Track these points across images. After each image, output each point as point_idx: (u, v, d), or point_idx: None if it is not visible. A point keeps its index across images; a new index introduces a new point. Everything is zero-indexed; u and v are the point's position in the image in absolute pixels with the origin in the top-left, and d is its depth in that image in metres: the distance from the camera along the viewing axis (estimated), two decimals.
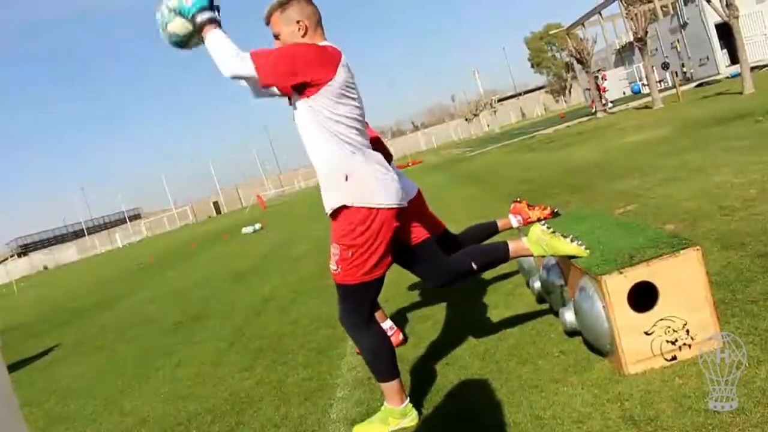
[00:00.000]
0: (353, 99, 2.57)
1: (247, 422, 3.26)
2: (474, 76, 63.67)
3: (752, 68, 18.54)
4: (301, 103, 2.53)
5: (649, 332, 2.46)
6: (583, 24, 39.67)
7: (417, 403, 2.85)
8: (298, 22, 2.59)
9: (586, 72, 26.89)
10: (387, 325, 3.86)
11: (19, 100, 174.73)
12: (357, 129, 2.59)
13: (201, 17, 2.42)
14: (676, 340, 2.46)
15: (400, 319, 4.41)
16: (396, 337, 3.84)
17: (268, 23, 2.66)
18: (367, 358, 2.73)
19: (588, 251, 2.75)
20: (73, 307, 12.60)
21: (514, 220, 4.08)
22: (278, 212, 30.73)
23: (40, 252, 74.51)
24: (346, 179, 2.51)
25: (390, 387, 2.69)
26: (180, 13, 2.45)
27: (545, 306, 3.55)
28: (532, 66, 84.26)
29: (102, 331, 8.06)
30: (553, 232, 2.78)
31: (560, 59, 79.25)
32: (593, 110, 27.19)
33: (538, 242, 2.79)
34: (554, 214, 4.02)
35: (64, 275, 33.87)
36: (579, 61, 26.87)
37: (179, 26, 2.49)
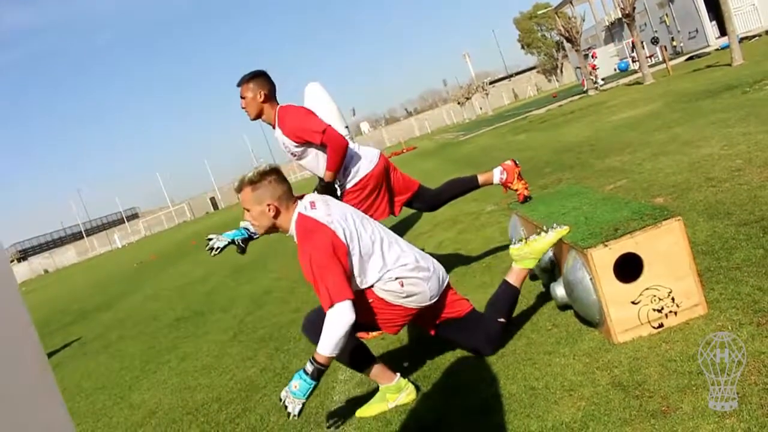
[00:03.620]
0: (359, 222, 2.73)
1: (252, 408, 3.36)
2: (465, 60, 63.50)
3: (742, 39, 18.56)
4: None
5: (636, 302, 2.55)
6: (571, 2, 39.55)
7: (415, 380, 2.95)
8: (268, 204, 2.67)
9: (576, 51, 26.86)
10: None
11: (9, 103, 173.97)
12: (384, 241, 2.75)
13: (312, 384, 2.51)
14: (662, 308, 2.55)
15: None
16: None
17: (239, 191, 2.73)
18: (340, 360, 2.78)
19: (567, 227, 2.83)
20: (76, 309, 12.70)
21: (498, 176, 4.08)
22: None
23: (40, 256, 74.50)
24: (402, 285, 2.74)
25: (375, 372, 2.82)
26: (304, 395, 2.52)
27: (538, 282, 3.64)
28: (523, 47, 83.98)
29: (107, 330, 8.16)
30: (525, 239, 2.92)
31: (550, 39, 79.01)
32: (584, 88, 27.21)
33: (524, 258, 2.92)
34: (526, 198, 4.02)
35: (65, 278, 33.94)
36: (568, 40, 26.83)
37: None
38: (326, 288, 2.49)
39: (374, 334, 3.82)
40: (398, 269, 2.70)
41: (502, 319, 2.92)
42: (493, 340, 2.92)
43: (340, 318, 2.45)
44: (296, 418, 2.51)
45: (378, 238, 2.72)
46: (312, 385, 2.50)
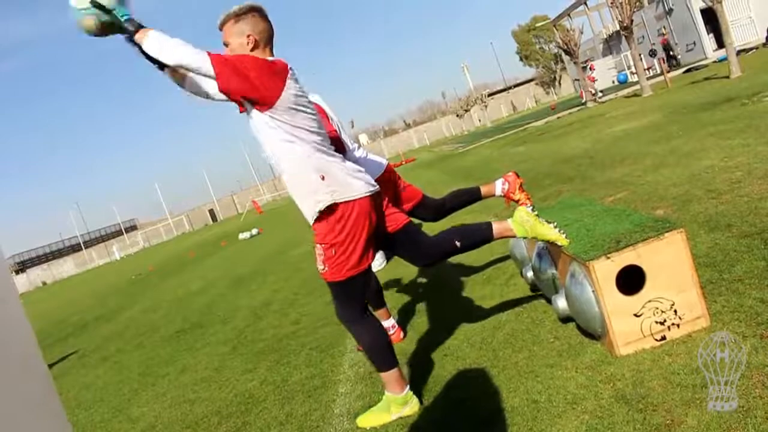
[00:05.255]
0: (307, 108, 2.65)
1: (252, 422, 3.34)
2: (463, 72, 63.70)
3: (739, 51, 18.64)
4: (260, 119, 2.61)
5: (639, 314, 2.54)
6: (569, 15, 39.79)
7: (417, 393, 2.93)
8: (248, 36, 2.66)
9: (575, 63, 26.97)
10: (390, 323, 3.93)
11: (7, 114, 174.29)
12: (319, 135, 2.67)
13: (134, 24, 2.52)
14: (665, 321, 2.54)
15: (397, 314, 4.49)
16: (397, 334, 3.91)
17: (221, 29, 2.73)
18: (365, 350, 2.85)
19: (568, 240, 2.83)
20: (74, 321, 12.64)
21: (500, 187, 4.11)
22: (274, 216, 30.78)
23: (38, 268, 74.31)
24: (323, 179, 2.61)
25: (390, 376, 2.80)
26: (110, 11, 2.50)
27: (539, 294, 3.63)
28: (521, 59, 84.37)
29: (106, 342, 8.13)
30: (537, 215, 2.87)
31: (548, 51, 79.38)
32: (583, 100, 27.29)
33: (522, 223, 2.87)
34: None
35: (64, 290, 33.85)
36: (567, 52, 26.95)
37: (91, 23, 2.55)
38: (225, 56, 2.49)
39: (394, 338, 3.80)
40: (317, 158, 2.63)
41: (458, 244, 2.88)
42: (435, 256, 2.91)
43: (193, 54, 2.43)
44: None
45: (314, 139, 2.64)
46: (118, 22, 2.50)
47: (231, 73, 2.47)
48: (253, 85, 2.49)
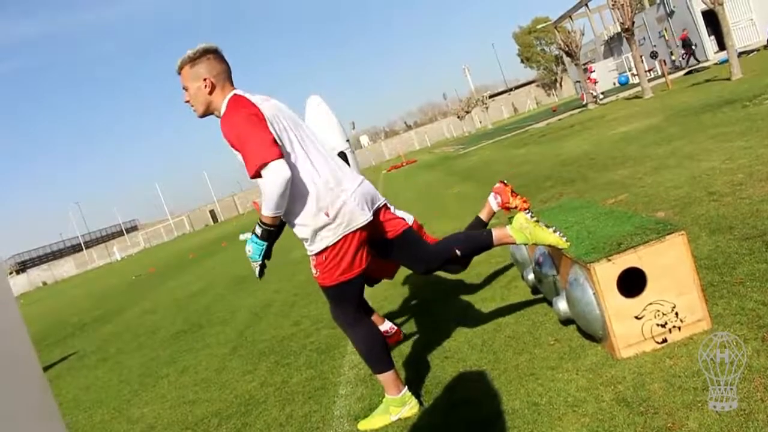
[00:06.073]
0: (290, 124, 2.64)
1: (252, 423, 3.33)
2: (464, 73, 63.63)
3: (740, 53, 18.65)
4: None
5: (640, 317, 2.54)
6: (570, 16, 39.76)
7: (417, 394, 2.94)
8: (204, 79, 2.64)
9: (576, 65, 26.96)
10: (386, 326, 3.93)
11: (7, 115, 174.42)
12: (312, 152, 2.64)
13: (263, 245, 2.69)
14: (666, 323, 2.54)
15: (398, 316, 4.49)
16: (396, 335, 3.91)
17: (179, 74, 2.71)
18: (360, 353, 2.85)
19: (568, 243, 2.82)
20: (74, 322, 12.63)
21: (494, 203, 4.10)
22: None
23: (38, 268, 74.26)
24: (328, 215, 2.59)
25: (386, 377, 2.80)
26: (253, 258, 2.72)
27: (540, 297, 3.63)
28: (522, 61, 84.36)
29: (105, 344, 8.12)
30: (537, 221, 2.86)
31: (549, 53, 79.36)
32: (584, 102, 27.28)
33: (522, 230, 2.85)
34: (527, 212, 4.06)
35: (64, 290, 33.83)
36: (568, 54, 26.93)
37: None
38: (255, 148, 2.45)
39: (394, 337, 3.80)
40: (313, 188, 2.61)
41: (458, 252, 2.87)
42: (434, 263, 2.89)
43: (276, 175, 2.41)
44: (259, 279, 2.77)
45: (301, 154, 2.62)
46: (263, 245, 2.65)
47: (259, 151, 2.45)
48: (267, 130, 2.51)
